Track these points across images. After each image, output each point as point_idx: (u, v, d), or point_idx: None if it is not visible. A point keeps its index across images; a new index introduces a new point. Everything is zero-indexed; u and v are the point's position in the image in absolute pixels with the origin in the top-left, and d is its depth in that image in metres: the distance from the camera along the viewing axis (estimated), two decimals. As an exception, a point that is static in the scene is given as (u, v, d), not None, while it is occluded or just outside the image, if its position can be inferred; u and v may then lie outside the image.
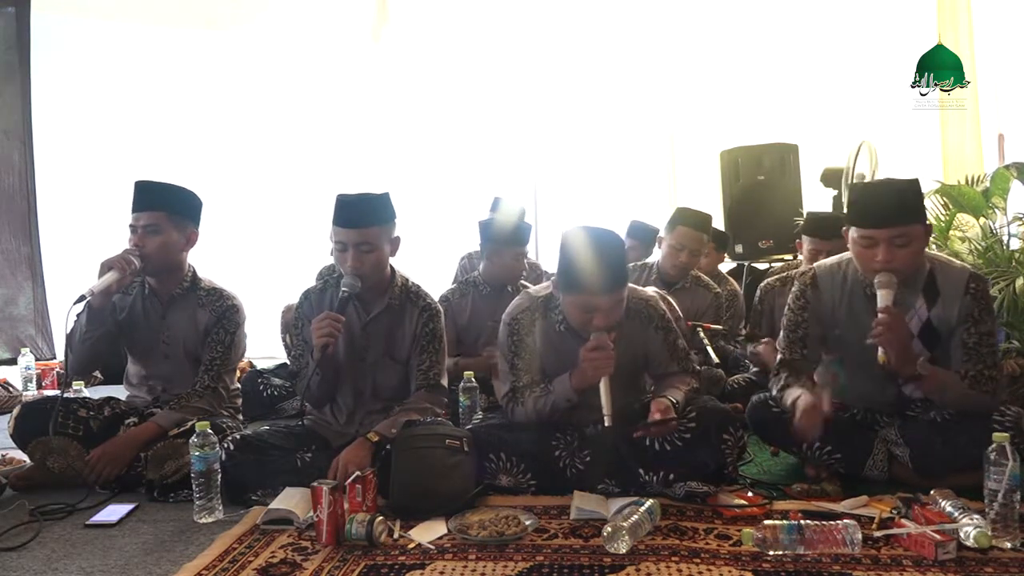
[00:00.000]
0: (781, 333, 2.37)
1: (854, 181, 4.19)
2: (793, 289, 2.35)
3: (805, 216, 3.47)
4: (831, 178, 4.50)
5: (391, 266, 2.42)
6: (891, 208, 2.05)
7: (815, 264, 2.37)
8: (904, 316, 2.09)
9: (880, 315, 2.01)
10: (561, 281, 2.12)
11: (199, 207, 2.58)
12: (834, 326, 2.27)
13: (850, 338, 2.23)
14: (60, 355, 2.82)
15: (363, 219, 2.26)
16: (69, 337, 2.45)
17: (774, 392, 2.29)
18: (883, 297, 2.03)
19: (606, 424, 2.02)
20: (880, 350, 2.03)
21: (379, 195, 2.32)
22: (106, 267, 2.35)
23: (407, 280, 2.46)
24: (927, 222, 2.13)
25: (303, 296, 2.47)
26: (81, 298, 2.34)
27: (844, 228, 2.20)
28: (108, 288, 2.35)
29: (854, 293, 2.23)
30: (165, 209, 2.46)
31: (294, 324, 2.51)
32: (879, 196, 2.10)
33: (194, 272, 2.60)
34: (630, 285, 2.26)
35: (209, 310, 2.54)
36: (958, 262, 2.25)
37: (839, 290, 2.25)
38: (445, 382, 2.47)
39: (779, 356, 2.35)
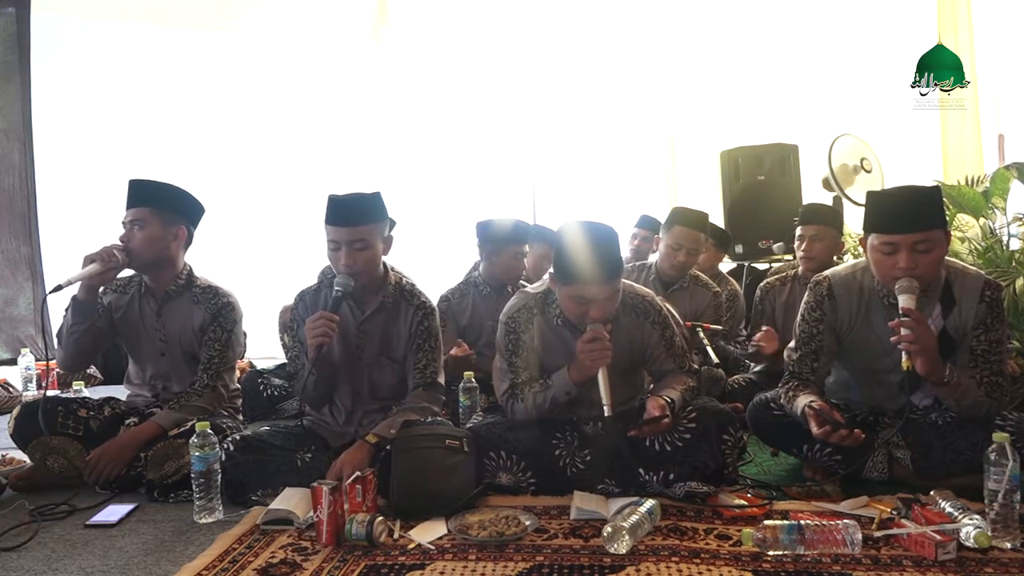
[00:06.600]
0: (793, 342, 2.34)
1: (836, 176, 4.19)
2: (807, 299, 2.29)
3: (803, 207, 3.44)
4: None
5: (384, 265, 2.43)
6: (913, 213, 2.01)
7: (829, 273, 2.29)
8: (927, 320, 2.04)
9: (903, 318, 1.96)
10: (557, 273, 2.13)
11: (192, 206, 2.58)
12: (849, 336, 2.24)
13: (866, 347, 2.22)
14: (51, 351, 2.81)
15: (356, 217, 2.26)
16: (59, 332, 2.48)
17: (782, 400, 2.27)
18: (905, 301, 1.98)
19: (606, 414, 2.03)
20: (904, 355, 1.97)
21: (370, 194, 2.32)
22: (88, 260, 2.36)
23: (401, 279, 2.47)
24: (947, 228, 2.09)
25: (298, 297, 2.48)
26: (57, 287, 2.30)
27: (861, 236, 2.17)
28: (90, 280, 2.35)
29: (871, 302, 2.19)
30: (151, 204, 2.47)
31: (290, 325, 2.52)
32: (900, 201, 2.05)
33: (190, 270, 2.60)
34: (627, 282, 2.27)
35: (204, 308, 2.54)
36: (972, 268, 2.21)
37: (856, 300, 2.21)
38: (442, 380, 2.48)
39: (788, 366, 2.32)
